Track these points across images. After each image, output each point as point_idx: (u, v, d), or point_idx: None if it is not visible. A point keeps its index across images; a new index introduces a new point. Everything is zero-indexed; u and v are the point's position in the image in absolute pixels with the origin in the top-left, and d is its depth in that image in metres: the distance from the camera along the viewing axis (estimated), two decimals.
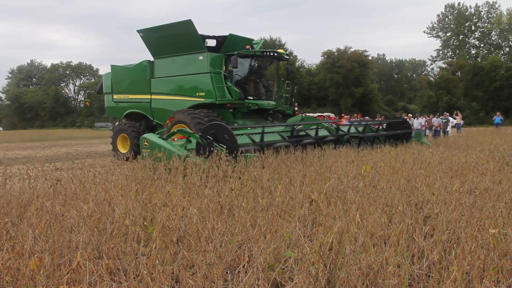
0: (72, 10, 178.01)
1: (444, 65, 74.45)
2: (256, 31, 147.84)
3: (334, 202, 5.70)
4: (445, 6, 71.73)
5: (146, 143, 10.18)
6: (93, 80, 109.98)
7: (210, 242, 4.33)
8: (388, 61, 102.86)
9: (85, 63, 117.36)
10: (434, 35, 76.40)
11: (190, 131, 10.90)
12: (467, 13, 67.94)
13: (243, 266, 3.61)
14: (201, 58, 14.89)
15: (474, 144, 15.43)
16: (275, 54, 15.61)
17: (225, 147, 9.24)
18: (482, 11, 68.14)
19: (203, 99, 14.80)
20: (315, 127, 13.37)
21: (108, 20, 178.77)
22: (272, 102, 16.29)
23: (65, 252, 3.99)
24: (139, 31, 16.21)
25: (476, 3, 70.10)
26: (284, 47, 76.46)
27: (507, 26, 63.96)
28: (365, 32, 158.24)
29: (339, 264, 3.81)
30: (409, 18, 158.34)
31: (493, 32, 66.78)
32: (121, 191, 6.54)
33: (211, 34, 16.18)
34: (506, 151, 11.84)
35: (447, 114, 31.02)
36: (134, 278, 3.42)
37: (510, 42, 63.88)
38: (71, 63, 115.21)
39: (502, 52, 64.99)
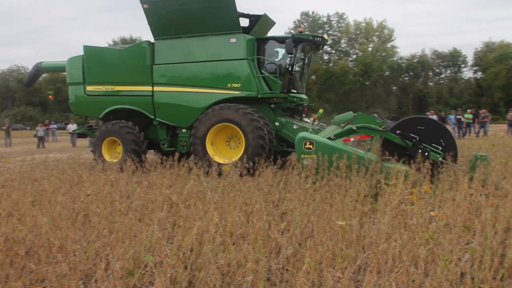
0: None
1: None
2: (113, 29, 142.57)
3: (193, 203, 5.72)
4: (301, 13, 75.95)
5: (310, 146, 7.91)
6: None
7: (62, 252, 4.07)
8: None
9: None
10: None
11: (379, 129, 8.48)
12: (320, 21, 72.62)
13: (100, 275, 3.45)
14: (233, 40, 11.63)
15: None
16: (323, 40, 12.86)
17: (440, 149, 7.50)
18: (333, 21, 73.30)
19: (238, 92, 11.55)
20: None
21: None
22: (306, 97, 13.55)
23: None
24: (143, 2, 12.17)
25: (328, 13, 75.11)
26: None
27: (353, 35, 69.68)
28: None
29: (200, 264, 3.83)
30: None
31: (342, 40, 72.18)
32: None
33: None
34: None
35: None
36: None
37: (356, 50, 69.62)
38: None
39: (350, 59, 70.66)
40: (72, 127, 29.42)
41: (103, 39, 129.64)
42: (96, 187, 6.78)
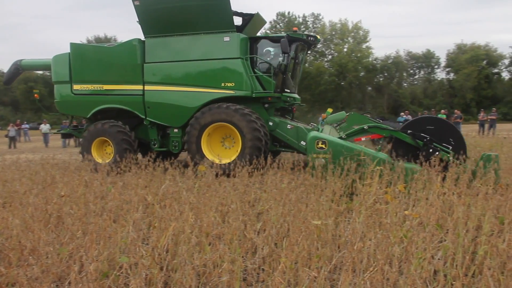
0: None
1: None
2: (87, 28, 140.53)
3: (169, 204, 5.68)
4: (277, 14, 76.09)
5: (323, 145, 7.76)
6: None
7: (34, 255, 3.99)
8: None
9: None
10: None
11: (391, 129, 8.50)
12: (296, 21, 72.91)
13: (74, 277, 3.39)
14: (227, 39, 11.54)
15: None
16: (315, 40, 12.85)
17: (450, 148, 7.59)
18: (308, 21, 73.63)
19: (232, 91, 11.45)
20: None
21: None
22: (298, 96, 13.55)
23: None
24: None
25: (304, 14, 75.38)
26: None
27: (329, 36, 70.12)
28: None
29: (176, 265, 3.81)
30: None
31: None
32: None
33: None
34: None
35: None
36: None
37: (331, 50, 70.02)
38: None
39: (326, 59, 71.05)
40: (44, 127, 28.95)
41: (76, 38, 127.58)
42: (69, 188, 6.68)
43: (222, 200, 5.94)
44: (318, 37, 13.05)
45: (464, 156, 7.32)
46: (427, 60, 70.35)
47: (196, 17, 11.58)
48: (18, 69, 14.68)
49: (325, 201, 5.67)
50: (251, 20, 12.33)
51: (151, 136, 12.31)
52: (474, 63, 62.10)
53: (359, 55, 66.02)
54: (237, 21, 11.99)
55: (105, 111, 12.65)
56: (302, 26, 72.35)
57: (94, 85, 12.56)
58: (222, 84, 11.48)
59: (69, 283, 3.42)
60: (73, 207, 5.54)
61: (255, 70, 11.71)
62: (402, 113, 30.64)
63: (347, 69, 64.38)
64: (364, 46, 67.54)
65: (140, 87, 12.14)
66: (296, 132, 11.51)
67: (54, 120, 40.73)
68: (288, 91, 12.44)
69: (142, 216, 5.34)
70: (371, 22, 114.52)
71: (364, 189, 6.11)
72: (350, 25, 68.64)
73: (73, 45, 12.76)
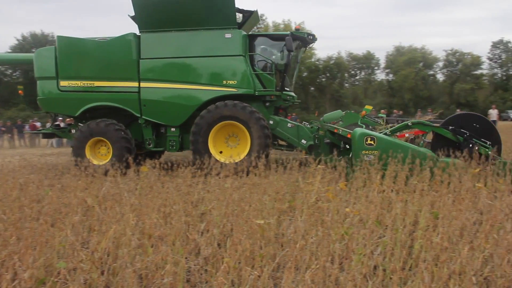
0: None
1: None
2: (22, 23, 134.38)
3: (110, 206, 5.54)
4: None
5: (372, 142, 7.81)
6: None
7: None
8: None
9: None
10: None
11: (433, 125, 8.65)
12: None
13: (5, 286, 3.24)
14: (228, 36, 11.26)
15: None
16: (313, 38, 12.73)
17: (488, 143, 7.90)
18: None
19: (234, 89, 11.21)
20: None
21: None
22: (295, 95, 13.42)
23: None
24: None
25: None
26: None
27: None
28: None
29: (118, 268, 3.72)
30: None
31: None
32: None
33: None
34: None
35: None
36: None
37: None
38: None
39: None
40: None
41: (10, 33, 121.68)
42: (2, 192, 6.37)
43: (165, 201, 5.86)
44: (316, 36, 13.03)
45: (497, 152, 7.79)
46: (367, 61, 72.33)
47: (197, 12, 11.30)
48: None
49: (268, 200, 5.71)
50: (251, 16, 12.18)
51: (145, 136, 11.81)
52: (412, 65, 64.41)
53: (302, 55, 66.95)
54: (237, 17, 11.83)
55: (94, 109, 11.91)
56: None
57: (83, 82, 11.75)
58: (224, 82, 11.27)
59: None
60: (6, 212, 5.29)
61: (255, 68, 11.60)
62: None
63: None
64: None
65: (135, 84, 11.56)
66: (296, 131, 11.58)
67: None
68: (288, 89, 12.42)
69: (81, 219, 5.18)
70: (313, 24, 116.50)
71: (306, 188, 6.21)
72: (293, 26, 69.64)
73: (60, 38, 11.91)
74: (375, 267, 3.85)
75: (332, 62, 69.90)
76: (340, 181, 6.56)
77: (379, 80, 72.87)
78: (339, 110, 12.79)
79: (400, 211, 5.02)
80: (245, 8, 12.10)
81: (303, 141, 11.35)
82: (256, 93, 11.28)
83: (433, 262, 3.66)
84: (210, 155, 10.66)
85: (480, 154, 7.51)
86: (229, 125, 10.97)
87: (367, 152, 7.79)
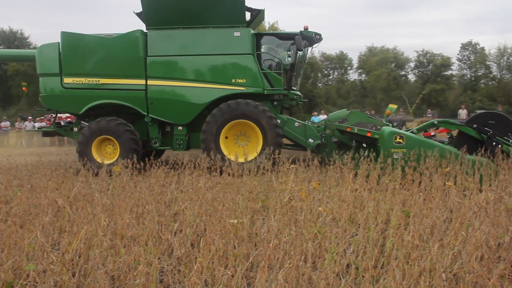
0: None
1: None
2: None
3: (81, 206, 5.45)
4: None
5: (401, 140, 7.84)
6: None
7: None
8: None
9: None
10: None
11: (458, 123, 8.89)
12: None
13: None
14: (237, 34, 11.23)
15: None
16: (320, 38, 12.58)
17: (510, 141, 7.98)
18: None
19: (243, 88, 11.20)
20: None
21: None
22: (300, 94, 13.30)
23: None
24: None
25: None
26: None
27: None
28: None
29: (89, 270, 3.67)
30: None
31: None
32: None
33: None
34: None
35: None
36: None
37: None
38: None
39: None
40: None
41: None
42: None
43: (137, 201, 5.80)
44: (322, 35, 12.96)
45: None
46: (340, 61, 72.88)
47: (207, 9, 11.19)
48: None
49: (241, 199, 5.72)
50: (258, 15, 12.12)
51: (151, 134, 11.64)
52: (384, 65, 65.23)
53: None
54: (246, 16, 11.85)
55: (99, 107, 11.66)
56: None
57: (88, 79, 11.49)
58: (233, 80, 11.23)
59: None
60: None
61: (262, 67, 11.63)
62: (315, 113, 29.37)
63: None
64: None
65: (142, 81, 11.39)
66: (304, 130, 11.68)
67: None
68: (295, 88, 12.46)
69: (52, 220, 5.09)
70: (287, 23, 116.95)
71: (280, 187, 6.23)
72: (266, 26, 69.77)
73: (64, 34, 11.57)
74: (347, 266, 3.88)
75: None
76: (313, 181, 6.61)
77: (352, 80, 73.52)
78: (344, 110, 12.87)
79: (372, 210, 5.09)
80: (253, 7, 12.08)
81: (310, 140, 11.48)
82: (265, 92, 11.31)
83: (404, 260, 3.71)
84: (221, 153, 10.64)
85: (503, 152, 7.74)
86: (239, 123, 10.97)
87: (395, 150, 7.89)
